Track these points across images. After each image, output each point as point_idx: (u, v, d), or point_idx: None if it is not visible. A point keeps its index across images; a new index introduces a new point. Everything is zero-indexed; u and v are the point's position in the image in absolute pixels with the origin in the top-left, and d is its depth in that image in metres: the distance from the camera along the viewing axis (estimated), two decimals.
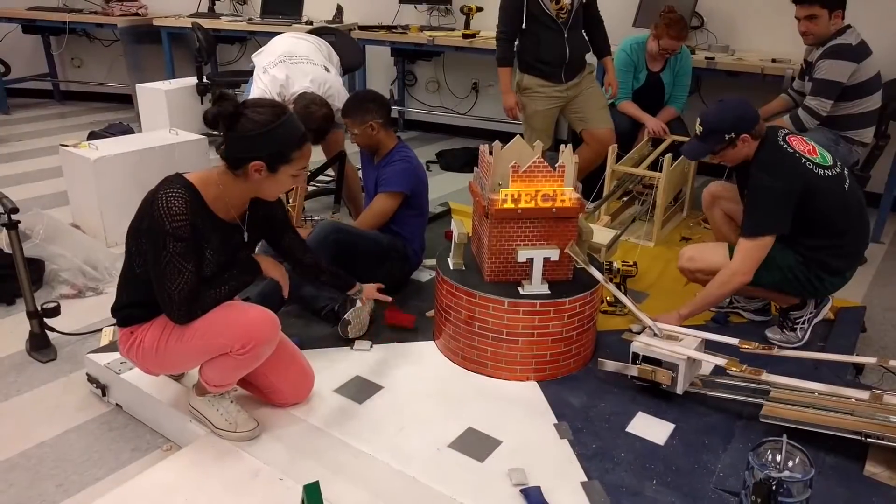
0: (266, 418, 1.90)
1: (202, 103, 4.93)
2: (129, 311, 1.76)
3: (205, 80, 4.88)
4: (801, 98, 3.22)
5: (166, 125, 4.19)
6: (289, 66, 3.10)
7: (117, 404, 2.11)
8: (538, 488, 1.66)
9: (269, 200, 1.80)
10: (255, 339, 1.70)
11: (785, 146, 2.16)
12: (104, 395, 2.13)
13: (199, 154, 3.59)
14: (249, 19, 5.62)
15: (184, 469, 1.73)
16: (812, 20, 3.03)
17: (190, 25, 5.02)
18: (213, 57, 5.35)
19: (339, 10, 5.39)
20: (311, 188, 3.75)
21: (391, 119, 2.66)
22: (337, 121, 2.98)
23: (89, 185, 3.20)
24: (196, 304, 1.66)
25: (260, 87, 3.10)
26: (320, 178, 3.78)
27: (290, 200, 2.99)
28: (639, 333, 2.15)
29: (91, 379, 2.16)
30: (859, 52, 3.00)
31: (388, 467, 1.74)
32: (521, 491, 1.66)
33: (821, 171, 2.15)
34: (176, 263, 1.59)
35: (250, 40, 5.84)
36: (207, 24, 5.26)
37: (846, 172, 2.22)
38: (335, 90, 3.12)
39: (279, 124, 1.62)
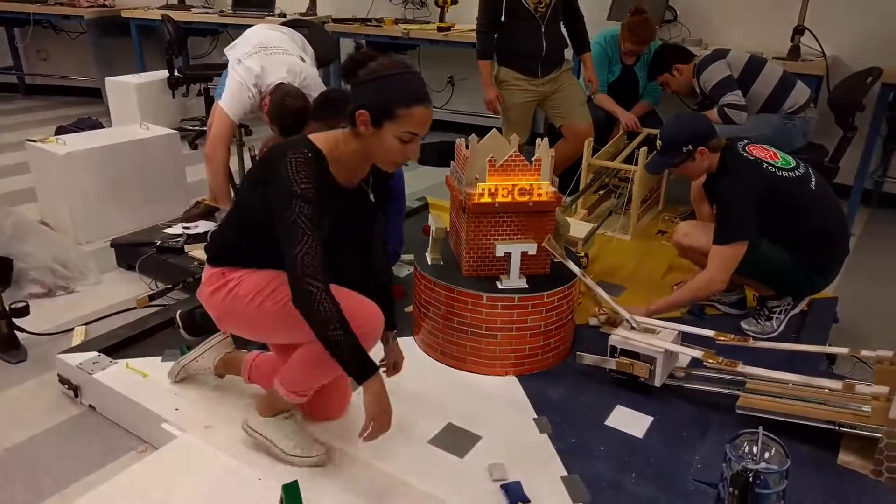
0: (245, 416, 1.88)
1: (174, 97, 4.85)
2: (232, 251, 1.67)
3: (176, 73, 4.80)
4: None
5: (137, 120, 4.10)
6: (264, 57, 3.05)
7: (90, 406, 2.07)
8: (518, 483, 1.67)
9: (385, 170, 1.64)
10: (366, 325, 1.57)
11: (745, 154, 2.24)
12: (76, 396, 2.09)
13: (172, 148, 3.53)
14: (221, 11, 5.53)
15: (160, 470, 1.70)
16: (668, 85, 3.49)
17: (159, 17, 4.92)
18: (184, 50, 5.26)
19: (313, 2, 5.33)
20: None
21: None
22: None
23: (58, 182, 3.13)
24: (319, 280, 1.47)
25: (236, 80, 3.04)
26: None
27: None
28: (598, 327, 2.24)
29: (63, 380, 2.11)
30: (716, 54, 3.31)
31: (367, 465, 1.73)
32: (502, 486, 1.66)
33: (784, 174, 2.21)
34: (301, 224, 1.48)
35: (222, 33, 5.74)
36: (178, 16, 5.16)
37: (811, 171, 2.28)
38: (311, 80, 3.07)
39: (392, 74, 1.50)
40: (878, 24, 3.81)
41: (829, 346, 2.26)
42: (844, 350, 2.05)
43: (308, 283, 1.46)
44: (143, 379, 2.03)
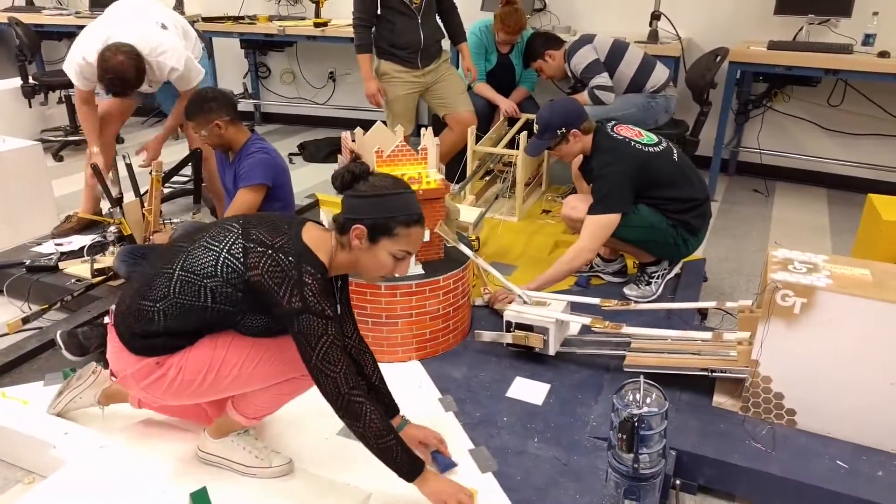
0: (142, 432, 1.81)
1: (30, 106, 4.50)
2: (170, 338, 1.50)
3: (31, 80, 4.46)
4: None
5: None
6: (116, 20, 2.90)
7: None
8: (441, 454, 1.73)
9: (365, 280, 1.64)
10: None
11: (614, 135, 2.42)
12: None
13: (34, 161, 3.28)
14: (77, 13, 5.18)
15: (52, 500, 1.61)
16: (542, 71, 3.70)
17: (6, 20, 4.55)
18: (38, 55, 4.88)
19: (179, 1, 5.10)
20: (166, 190, 3.55)
21: (238, 113, 2.57)
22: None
23: None
24: (362, 393, 1.48)
25: (77, 44, 2.89)
26: (177, 179, 3.58)
27: (146, 204, 2.82)
28: (484, 305, 2.39)
29: None
30: (583, 39, 3.54)
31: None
32: (432, 454, 1.72)
33: (649, 149, 2.40)
34: (337, 344, 1.45)
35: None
36: (27, 18, 4.80)
37: (671, 146, 2.49)
38: (169, 48, 2.89)
39: (393, 194, 1.49)
40: (724, 7, 4.17)
41: (700, 302, 2.48)
42: (712, 304, 2.26)
43: (355, 398, 1.46)
44: (23, 407, 1.90)
